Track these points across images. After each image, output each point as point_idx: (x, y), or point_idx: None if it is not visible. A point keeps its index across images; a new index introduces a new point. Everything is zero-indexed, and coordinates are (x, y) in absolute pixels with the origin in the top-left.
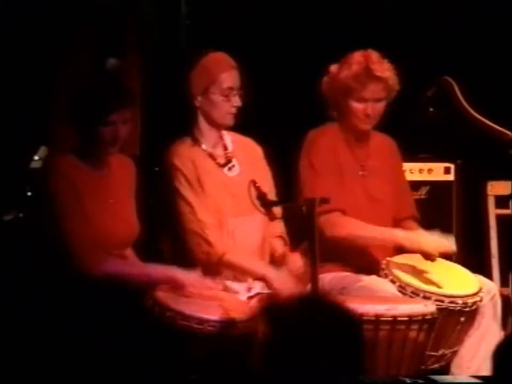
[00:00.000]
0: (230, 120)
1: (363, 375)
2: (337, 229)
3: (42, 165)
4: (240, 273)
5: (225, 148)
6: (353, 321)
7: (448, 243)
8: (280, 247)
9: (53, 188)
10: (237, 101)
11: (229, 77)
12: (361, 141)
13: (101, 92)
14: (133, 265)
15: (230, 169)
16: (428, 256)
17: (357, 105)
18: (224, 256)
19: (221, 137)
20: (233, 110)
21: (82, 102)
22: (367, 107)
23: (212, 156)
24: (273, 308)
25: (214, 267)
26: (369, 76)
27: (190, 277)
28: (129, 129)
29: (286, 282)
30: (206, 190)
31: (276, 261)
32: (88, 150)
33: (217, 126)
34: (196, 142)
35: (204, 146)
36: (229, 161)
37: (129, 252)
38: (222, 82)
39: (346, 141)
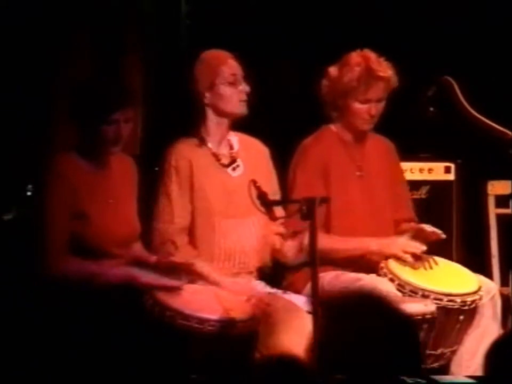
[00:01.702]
0: (242, 108)
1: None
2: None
3: (43, 164)
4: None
5: (231, 148)
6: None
7: (414, 244)
8: (279, 243)
9: (49, 187)
10: (244, 87)
11: (230, 66)
12: (358, 142)
13: (103, 91)
14: (92, 266)
15: (234, 169)
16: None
17: (360, 107)
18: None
19: (227, 137)
20: (244, 97)
21: (85, 101)
22: (371, 108)
23: (215, 156)
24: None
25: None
26: (373, 77)
27: (148, 276)
28: (131, 129)
29: (240, 291)
30: (201, 191)
31: (277, 252)
32: (90, 149)
33: (231, 117)
34: (202, 140)
35: (209, 145)
36: (233, 161)
37: (137, 247)
38: (225, 71)
39: (343, 142)
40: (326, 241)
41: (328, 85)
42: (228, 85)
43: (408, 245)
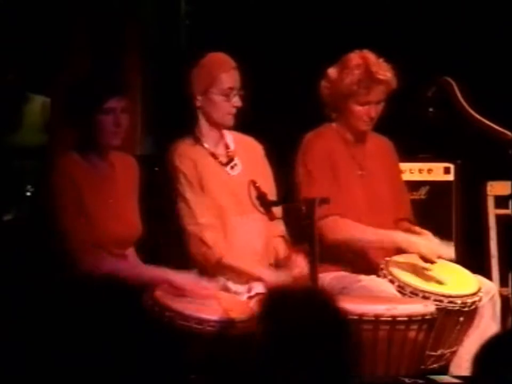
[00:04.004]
0: (230, 121)
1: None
2: (337, 232)
3: (46, 164)
4: (238, 275)
5: (227, 147)
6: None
7: (447, 250)
8: (283, 248)
9: (55, 187)
10: (237, 101)
11: (229, 77)
12: (359, 141)
13: (95, 80)
14: (128, 266)
15: (232, 168)
16: (427, 260)
17: (360, 109)
18: (222, 259)
19: (222, 137)
20: (233, 111)
21: (78, 93)
22: (371, 110)
23: (213, 155)
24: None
25: (212, 268)
26: (373, 80)
27: (185, 279)
28: (128, 120)
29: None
30: (208, 190)
31: (280, 263)
32: (90, 147)
33: (218, 126)
34: (198, 141)
35: (205, 145)
36: (231, 159)
37: (130, 251)
38: (223, 82)
39: (344, 141)
40: (352, 229)
41: (328, 87)
42: (221, 95)
43: (439, 250)
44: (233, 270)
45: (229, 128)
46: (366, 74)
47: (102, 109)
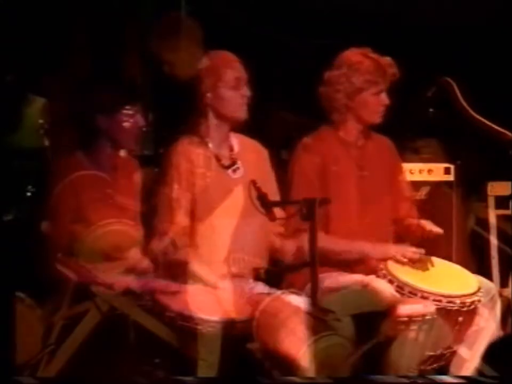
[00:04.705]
0: (242, 112)
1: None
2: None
3: (45, 165)
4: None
5: (231, 149)
6: None
7: (412, 249)
8: (278, 243)
9: (53, 188)
10: (246, 91)
11: (234, 69)
12: (360, 142)
13: (122, 83)
14: (85, 272)
15: (234, 171)
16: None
17: (375, 99)
18: (187, 264)
19: (227, 138)
20: (244, 101)
21: (103, 93)
22: (384, 98)
23: (216, 157)
24: None
25: (168, 267)
26: (379, 67)
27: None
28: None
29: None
30: (202, 191)
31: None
32: (100, 146)
33: (230, 120)
34: (202, 141)
35: (210, 145)
36: (233, 163)
37: (135, 253)
38: (228, 75)
39: (343, 142)
40: (325, 242)
41: (338, 89)
42: (230, 88)
43: (406, 249)
44: (193, 273)
45: (243, 121)
46: (373, 63)
47: (125, 111)
